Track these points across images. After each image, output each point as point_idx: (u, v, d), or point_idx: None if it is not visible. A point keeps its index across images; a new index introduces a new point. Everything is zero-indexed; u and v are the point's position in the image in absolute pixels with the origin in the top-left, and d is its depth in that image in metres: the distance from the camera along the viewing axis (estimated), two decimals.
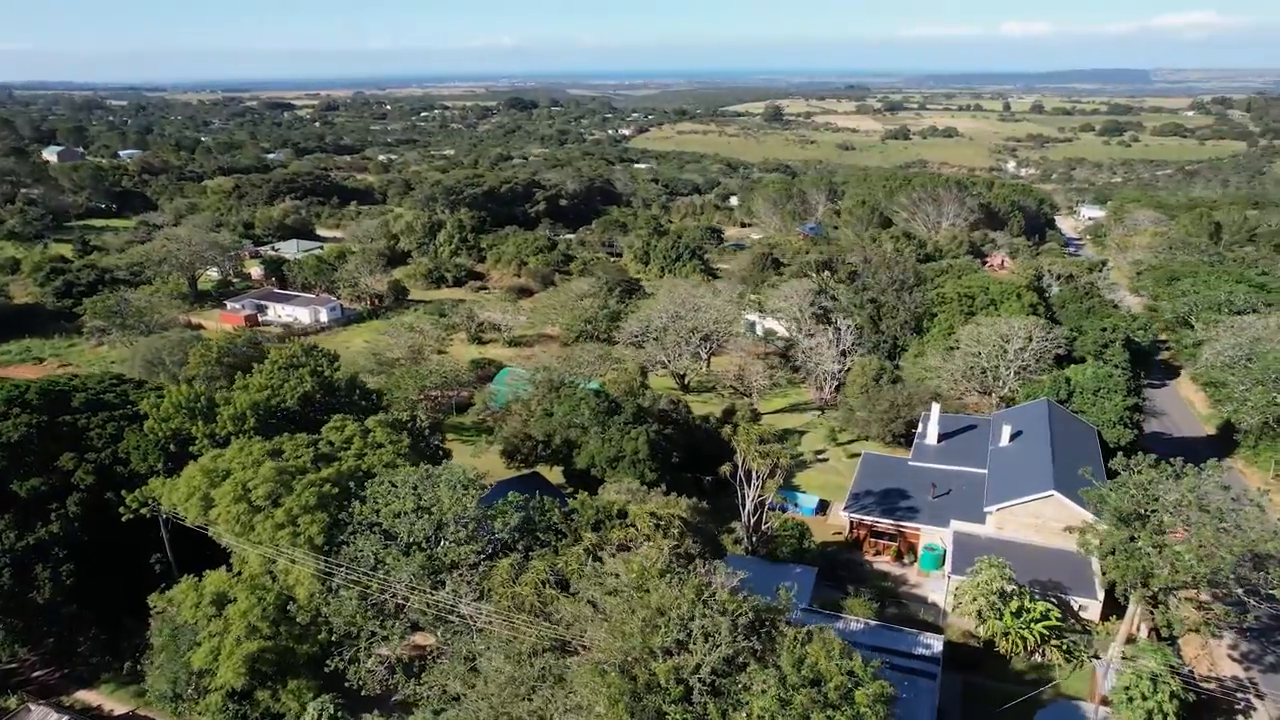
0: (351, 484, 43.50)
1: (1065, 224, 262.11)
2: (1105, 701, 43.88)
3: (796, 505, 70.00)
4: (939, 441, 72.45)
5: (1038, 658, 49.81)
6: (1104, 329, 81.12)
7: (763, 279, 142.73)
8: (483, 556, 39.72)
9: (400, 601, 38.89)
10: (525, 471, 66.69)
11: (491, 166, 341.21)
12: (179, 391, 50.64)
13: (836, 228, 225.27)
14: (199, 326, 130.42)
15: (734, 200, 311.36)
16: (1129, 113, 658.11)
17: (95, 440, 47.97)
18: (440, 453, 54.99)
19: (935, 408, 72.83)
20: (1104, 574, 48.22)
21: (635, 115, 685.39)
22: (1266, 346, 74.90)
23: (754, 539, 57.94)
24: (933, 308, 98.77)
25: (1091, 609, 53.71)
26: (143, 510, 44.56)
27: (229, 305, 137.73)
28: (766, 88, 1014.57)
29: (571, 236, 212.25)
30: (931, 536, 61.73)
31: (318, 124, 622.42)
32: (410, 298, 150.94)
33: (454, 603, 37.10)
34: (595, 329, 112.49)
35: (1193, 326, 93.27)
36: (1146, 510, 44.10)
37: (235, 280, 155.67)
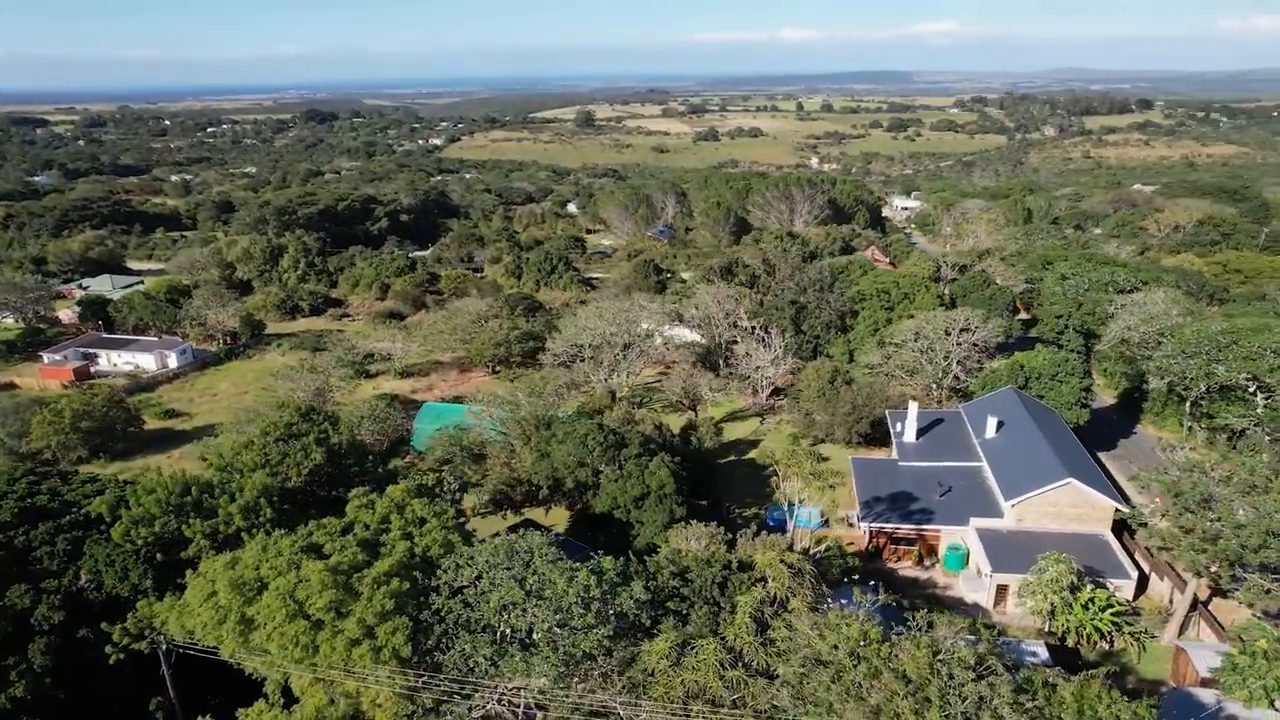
0: (418, 575, 35.84)
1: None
2: (1206, 683, 44.61)
3: (795, 520, 67.75)
4: (918, 438, 72.82)
5: (1105, 646, 50.25)
6: (1058, 316, 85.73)
7: (647, 286, 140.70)
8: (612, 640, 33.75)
9: (529, 711, 32.18)
10: (517, 520, 59.93)
11: (303, 182, 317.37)
12: (160, 483, 39.88)
13: (689, 230, 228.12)
14: (12, 386, 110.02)
15: (572, 207, 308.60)
16: (907, 110, 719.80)
17: (47, 562, 36.62)
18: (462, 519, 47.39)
19: (913, 405, 73.09)
20: (1150, 554, 49.32)
21: (444, 124, 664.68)
22: (1170, 321, 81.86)
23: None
24: (854, 305, 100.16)
25: (1126, 589, 55.08)
26: (138, 645, 34.36)
27: (47, 357, 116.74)
28: (570, 93, 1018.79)
29: (425, 254, 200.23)
30: (952, 536, 61.40)
31: (82, 142, 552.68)
32: (268, 332, 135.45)
33: (609, 702, 31.04)
34: (508, 352, 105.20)
35: (1080, 306, 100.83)
36: (1212, 492, 45.34)
37: (44, 327, 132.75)
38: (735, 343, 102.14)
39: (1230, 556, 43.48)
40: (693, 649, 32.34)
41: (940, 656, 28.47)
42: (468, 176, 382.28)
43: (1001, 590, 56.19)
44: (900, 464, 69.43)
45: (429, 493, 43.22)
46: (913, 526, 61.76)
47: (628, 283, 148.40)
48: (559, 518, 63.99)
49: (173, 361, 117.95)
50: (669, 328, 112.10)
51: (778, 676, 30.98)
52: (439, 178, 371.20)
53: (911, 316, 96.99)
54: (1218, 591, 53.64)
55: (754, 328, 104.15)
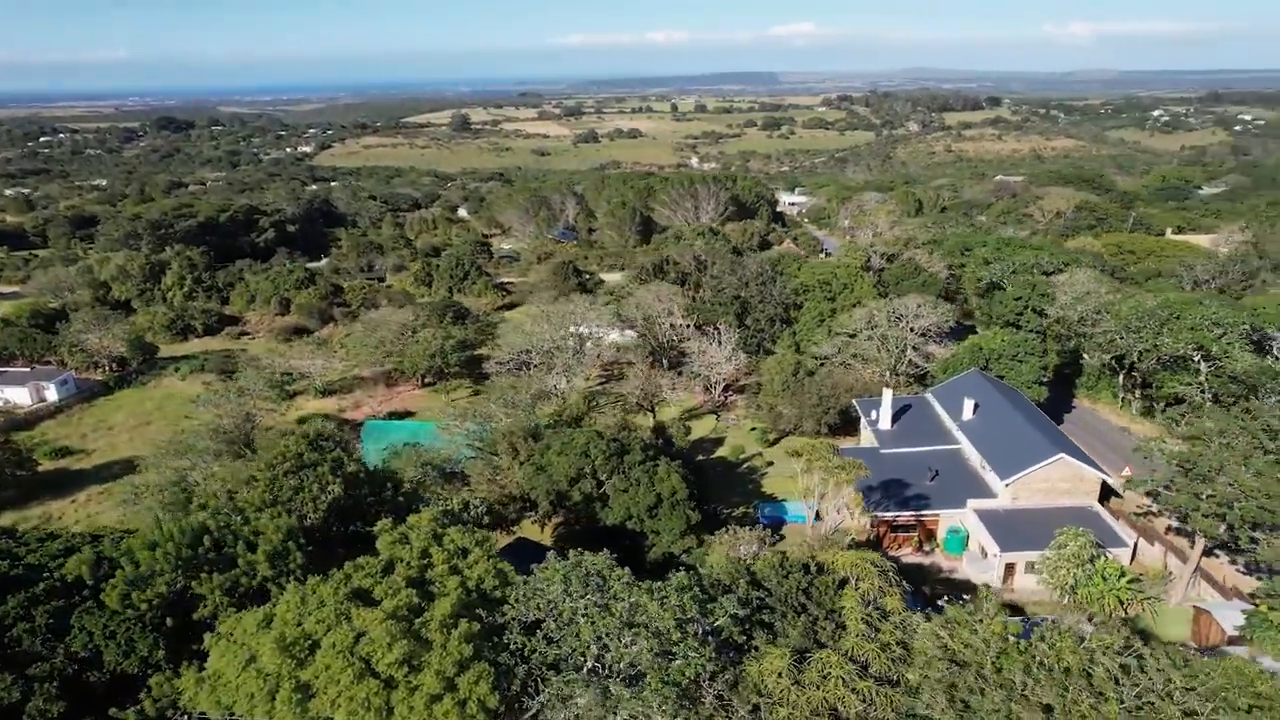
0: (481, 613, 31.86)
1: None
2: (1233, 641, 45.98)
3: (785, 515, 66.73)
4: (892, 425, 73.17)
5: (1122, 613, 51.25)
6: (1017, 298, 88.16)
7: (568, 289, 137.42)
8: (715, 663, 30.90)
9: None
10: (509, 539, 55.94)
11: (165, 194, 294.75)
12: (165, 534, 33.64)
13: (593, 230, 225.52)
14: None
15: (463, 211, 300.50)
16: (778, 110, 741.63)
17: (28, 642, 30.14)
18: None
19: (888, 393, 73.38)
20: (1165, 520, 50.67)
21: (313, 131, 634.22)
22: (1101, 299, 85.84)
23: None
24: (797, 298, 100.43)
25: (1123, 557, 56.62)
26: None
27: None
28: (440, 97, 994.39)
29: (319, 265, 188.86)
30: (950, 520, 61.64)
31: None
32: (160, 355, 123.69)
33: None
34: (445, 363, 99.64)
35: (1003, 288, 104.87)
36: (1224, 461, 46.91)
37: None
38: (683, 340, 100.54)
39: (1249, 518, 44.98)
40: (807, 662, 30.04)
41: (1084, 644, 27.43)
42: (354, 184, 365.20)
43: (1009, 569, 56.73)
44: (882, 452, 69.38)
45: (457, 518, 38.96)
46: (911, 513, 61.62)
47: (548, 286, 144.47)
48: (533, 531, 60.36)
49: (52, 394, 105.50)
50: (609, 330, 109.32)
51: (898, 683, 29.12)
52: (314, 186, 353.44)
53: (855, 306, 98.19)
54: (1204, 552, 56.01)
55: (695, 325, 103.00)
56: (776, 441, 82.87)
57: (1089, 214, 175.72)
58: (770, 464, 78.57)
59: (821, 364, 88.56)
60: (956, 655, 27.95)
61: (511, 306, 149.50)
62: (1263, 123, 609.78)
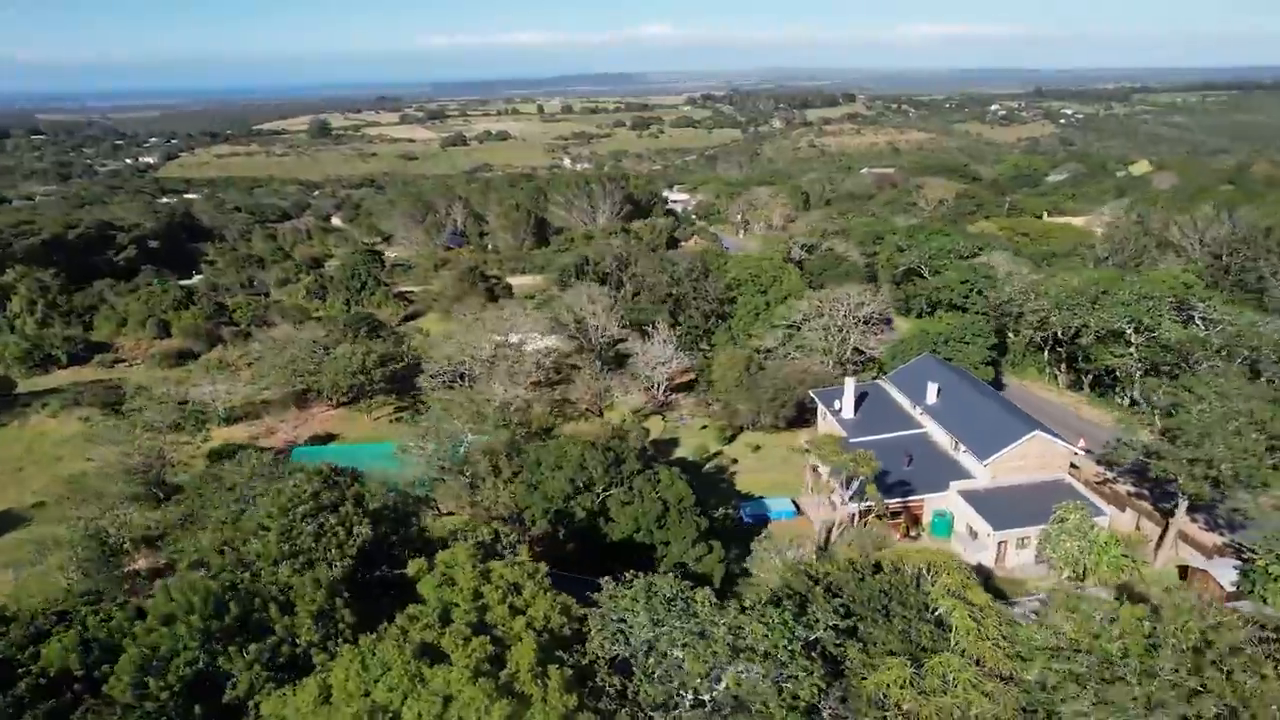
0: (561, 654, 28.28)
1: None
2: (1232, 597, 47.76)
3: (769, 513, 65.42)
4: (855, 414, 73.24)
5: (1116, 579, 52.59)
6: (964, 281, 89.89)
7: (476, 295, 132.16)
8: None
9: None
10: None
11: None
12: (181, 602, 27.48)
13: (484, 235, 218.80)
14: None
15: (337, 220, 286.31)
16: (646, 109, 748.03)
17: None
18: None
19: (850, 381, 73.33)
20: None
21: (155, 140, 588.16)
22: (1025, 280, 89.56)
23: None
24: (730, 292, 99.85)
25: (1101, 524, 58.39)
26: None
27: None
28: (293, 103, 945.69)
29: (192, 282, 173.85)
30: (935, 504, 61.95)
31: None
32: (19, 391, 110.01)
33: None
34: (369, 380, 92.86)
35: (923, 275, 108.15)
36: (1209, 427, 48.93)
37: None
38: (619, 341, 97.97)
39: (1242, 474, 46.99)
40: (923, 668, 28.28)
41: (1208, 623, 27.03)
42: (216, 196, 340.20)
43: (1000, 547, 57.44)
44: (851, 441, 68.89)
45: (491, 550, 34.89)
46: (898, 500, 61.52)
47: (453, 293, 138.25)
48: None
49: None
50: (539, 335, 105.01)
51: (1013, 679, 27.85)
52: (167, 200, 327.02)
53: (788, 298, 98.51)
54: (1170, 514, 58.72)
55: (629, 325, 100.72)
56: (734, 438, 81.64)
57: (969, 201, 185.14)
58: (735, 461, 77.19)
59: (765, 357, 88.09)
60: (1080, 645, 27.03)
61: (415, 316, 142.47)
62: (1080, 116, 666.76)
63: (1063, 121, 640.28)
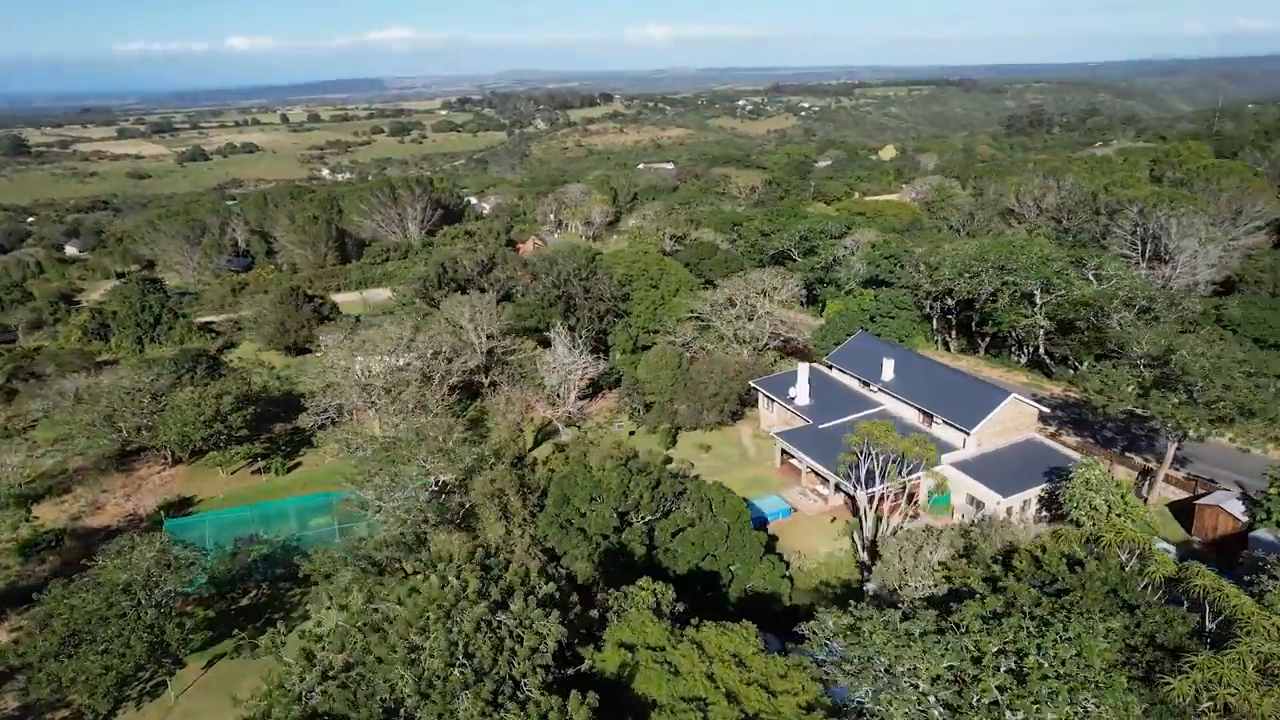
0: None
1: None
2: (1247, 527, 50.58)
3: (766, 514, 61.68)
4: (810, 399, 71.43)
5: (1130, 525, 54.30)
6: (887, 256, 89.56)
7: (301, 319, 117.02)
8: None
9: None
10: None
11: None
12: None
13: (274, 253, 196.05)
14: None
15: (71, 249, 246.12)
16: (402, 115, 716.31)
17: None
18: None
19: (805, 367, 71.34)
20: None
21: None
22: (911, 252, 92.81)
23: (876, 559, 49.66)
24: (623, 288, 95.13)
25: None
26: None
27: None
28: None
29: None
30: (926, 479, 61.20)
31: None
32: None
33: None
34: (227, 426, 77.60)
35: (793, 257, 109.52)
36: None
37: None
38: (512, 352, 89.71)
39: (1242, 405, 50.02)
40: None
41: None
42: None
43: (1009, 512, 57.68)
44: (820, 427, 67.11)
45: (659, 611, 27.45)
46: (899, 480, 59.98)
47: (272, 319, 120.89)
48: None
49: None
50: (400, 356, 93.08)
51: None
52: None
53: (679, 291, 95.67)
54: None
55: (519, 331, 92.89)
56: (675, 441, 76.99)
57: (778, 187, 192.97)
58: (690, 465, 72.44)
59: (686, 350, 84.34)
60: None
61: (226, 349, 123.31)
62: (817, 110, 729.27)
63: (803, 114, 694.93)
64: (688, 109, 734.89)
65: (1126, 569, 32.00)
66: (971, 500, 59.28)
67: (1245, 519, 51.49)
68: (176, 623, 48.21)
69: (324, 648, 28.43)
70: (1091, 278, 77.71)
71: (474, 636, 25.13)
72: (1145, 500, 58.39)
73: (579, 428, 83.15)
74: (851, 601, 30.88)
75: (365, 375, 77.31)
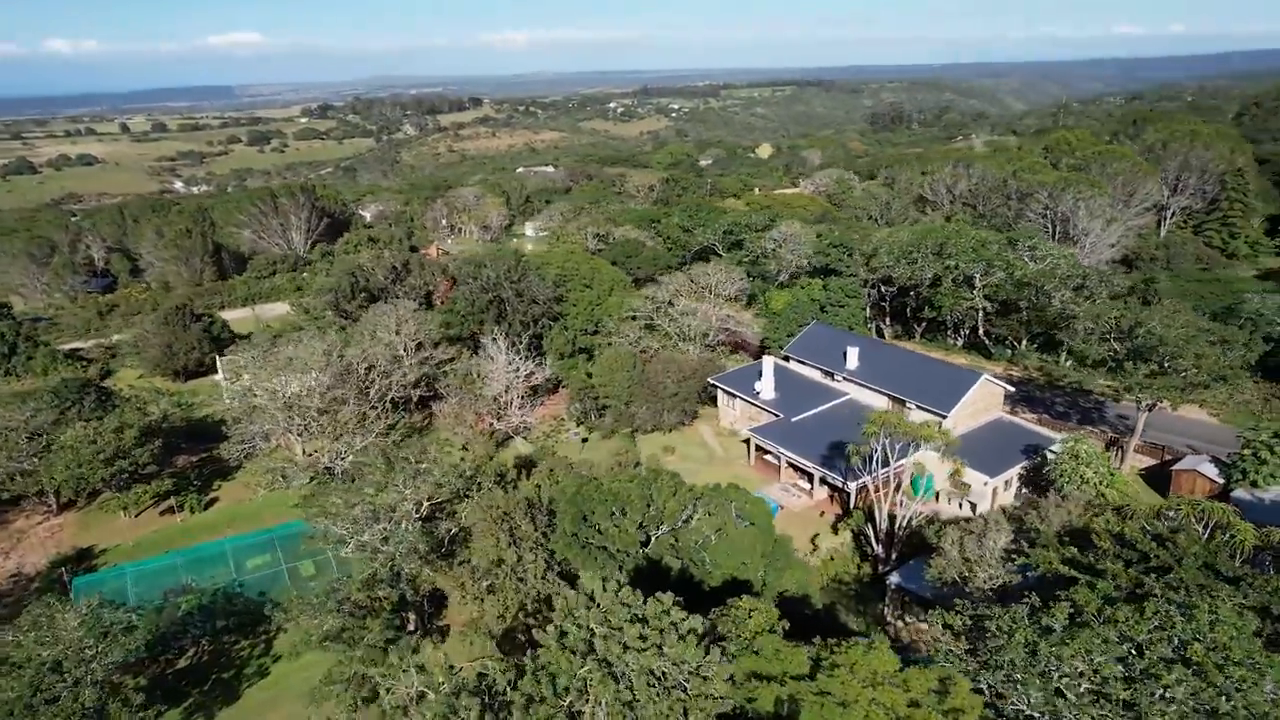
0: None
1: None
2: (1225, 490, 52.28)
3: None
4: (776, 392, 70.09)
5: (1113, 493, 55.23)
6: (836, 245, 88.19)
7: (190, 339, 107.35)
8: None
9: None
10: None
11: None
12: None
13: (140, 272, 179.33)
14: None
15: None
16: (258, 123, 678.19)
17: None
18: None
19: (769, 361, 69.81)
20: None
21: None
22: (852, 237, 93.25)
23: (892, 552, 48.54)
24: (557, 289, 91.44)
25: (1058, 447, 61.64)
26: None
27: None
28: None
29: None
30: (908, 465, 60.68)
31: None
32: None
33: None
34: (135, 463, 68.70)
35: (718, 252, 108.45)
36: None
37: None
38: (450, 361, 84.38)
39: (1212, 371, 51.91)
40: None
41: None
42: None
43: (994, 492, 57.96)
44: (792, 420, 65.80)
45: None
46: (887, 469, 59.18)
47: (157, 341, 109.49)
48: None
49: None
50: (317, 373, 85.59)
51: None
52: None
53: (612, 291, 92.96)
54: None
55: (451, 339, 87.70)
56: (633, 445, 73.88)
57: (676, 185, 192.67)
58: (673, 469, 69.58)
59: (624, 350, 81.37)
60: None
61: (103, 378, 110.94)
62: (687, 111, 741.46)
63: (674, 115, 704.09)
64: (559, 112, 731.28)
65: (1214, 541, 31.93)
66: (956, 483, 59.19)
67: (1221, 480, 53.45)
68: (120, 700, 41.21)
69: None
70: (1027, 259, 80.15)
71: (639, 686, 21.12)
72: (1120, 469, 59.95)
73: (525, 438, 78.84)
74: (957, 600, 29.16)
75: (292, 396, 70.22)
